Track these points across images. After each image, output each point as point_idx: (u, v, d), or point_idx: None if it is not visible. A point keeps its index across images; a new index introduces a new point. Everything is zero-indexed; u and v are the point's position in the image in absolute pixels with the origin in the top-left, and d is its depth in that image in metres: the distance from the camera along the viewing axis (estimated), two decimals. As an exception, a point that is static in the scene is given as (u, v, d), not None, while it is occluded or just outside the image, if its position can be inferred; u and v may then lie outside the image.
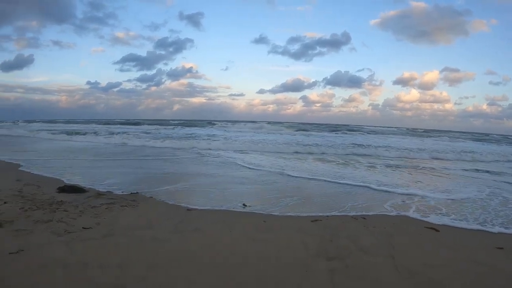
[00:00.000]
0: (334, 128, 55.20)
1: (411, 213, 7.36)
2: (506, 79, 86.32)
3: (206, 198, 8.24)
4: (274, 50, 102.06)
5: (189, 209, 7.28)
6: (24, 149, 17.73)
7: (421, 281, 4.14)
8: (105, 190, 8.71)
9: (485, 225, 6.62)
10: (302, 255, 4.70)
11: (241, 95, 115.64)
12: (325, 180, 11.33)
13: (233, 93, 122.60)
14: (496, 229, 6.42)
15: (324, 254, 4.77)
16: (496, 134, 63.42)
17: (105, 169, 12.40)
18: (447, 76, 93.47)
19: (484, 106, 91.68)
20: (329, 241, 5.29)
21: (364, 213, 7.19)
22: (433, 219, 7.10)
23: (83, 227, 5.89)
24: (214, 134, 33.05)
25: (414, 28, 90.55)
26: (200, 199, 8.31)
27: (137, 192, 8.62)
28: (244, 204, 7.58)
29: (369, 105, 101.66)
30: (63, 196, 7.74)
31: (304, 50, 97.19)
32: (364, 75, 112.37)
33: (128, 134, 29.87)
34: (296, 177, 11.76)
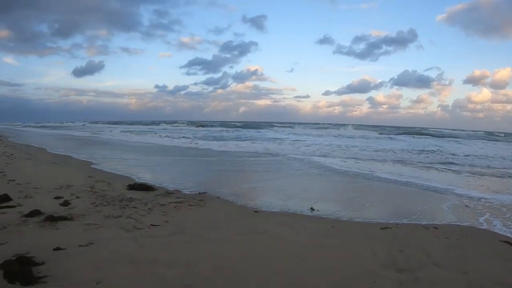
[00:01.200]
0: (414, 130, 51.10)
1: (487, 225, 6.49)
2: None
3: (274, 200, 7.94)
4: (339, 50, 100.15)
5: (256, 211, 6.87)
6: (96, 148, 18.39)
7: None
8: (173, 189, 8.50)
9: None
10: (371, 265, 4.25)
11: (306, 96, 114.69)
12: (402, 183, 10.33)
13: (298, 95, 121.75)
14: None
15: (394, 265, 4.27)
16: None
17: (174, 168, 12.47)
18: None
19: None
20: (398, 251, 4.77)
21: (436, 222, 6.50)
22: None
23: (151, 224, 5.61)
24: (279, 138, 32.08)
25: (483, 22, 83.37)
26: (268, 201, 7.87)
27: (204, 192, 8.32)
28: (312, 208, 7.13)
29: (438, 106, 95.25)
30: (132, 193, 7.58)
31: (370, 49, 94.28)
32: (432, 74, 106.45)
33: (195, 135, 30.19)
34: (374, 179, 10.73)
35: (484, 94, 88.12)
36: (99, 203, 6.56)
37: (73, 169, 10.57)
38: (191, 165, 13.63)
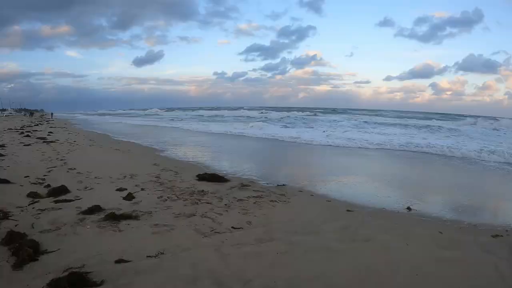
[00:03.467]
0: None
1: None
2: None
3: (364, 195, 6.69)
4: (400, 33, 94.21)
5: (349, 210, 5.60)
6: (160, 136, 17.72)
7: None
8: (248, 180, 7.33)
9: None
10: (499, 286, 3.39)
11: (367, 82, 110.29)
12: None
13: (359, 80, 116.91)
14: None
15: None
16: None
17: (244, 157, 11.21)
18: None
19: None
20: None
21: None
22: None
23: (232, 227, 4.49)
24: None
25: None
26: (357, 196, 6.60)
27: (284, 184, 7.09)
28: (408, 208, 5.97)
29: (505, 94, 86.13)
30: (203, 185, 6.51)
31: (433, 31, 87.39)
32: (500, 58, 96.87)
33: (264, 121, 28.50)
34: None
35: None
36: (167, 197, 5.49)
37: (137, 157, 9.73)
38: (263, 154, 12.56)
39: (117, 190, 5.72)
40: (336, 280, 3.21)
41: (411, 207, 5.99)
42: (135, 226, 4.18)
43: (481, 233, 4.99)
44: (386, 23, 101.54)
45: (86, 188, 5.84)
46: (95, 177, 6.62)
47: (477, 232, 5.03)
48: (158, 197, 5.49)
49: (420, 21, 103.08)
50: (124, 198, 5.25)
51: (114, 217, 4.28)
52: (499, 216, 5.99)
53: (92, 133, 18.55)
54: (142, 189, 5.87)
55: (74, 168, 7.39)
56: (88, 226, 4.04)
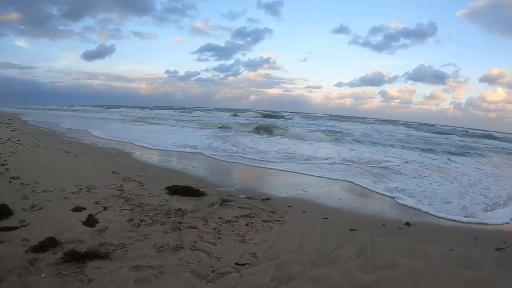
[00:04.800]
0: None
1: None
2: None
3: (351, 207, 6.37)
4: (355, 41, 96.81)
5: (352, 229, 5.04)
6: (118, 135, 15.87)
7: None
8: (226, 193, 6.44)
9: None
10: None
11: (318, 87, 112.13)
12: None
13: (310, 85, 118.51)
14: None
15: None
16: None
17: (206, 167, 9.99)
18: None
19: None
20: None
21: None
22: None
23: (236, 263, 3.55)
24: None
25: (505, 20, 79.72)
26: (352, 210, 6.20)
27: (269, 198, 6.33)
28: (407, 223, 5.74)
29: (450, 104, 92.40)
30: (177, 200, 5.54)
31: (387, 41, 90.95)
32: (449, 70, 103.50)
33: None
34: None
35: (498, 93, 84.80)
36: (140, 220, 4.37)
37: (92, 161, 8.17)
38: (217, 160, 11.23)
39: (74, 210, 4.44)
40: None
41: (409, 222, 5.77)
42: (109, 270, 3.02)
43: (484, 246, 4.95)
44: (342, 30, 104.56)
45: (33, 207, 4.48)
46: (44, 190, 5.20)
47: (481, 246, 4.97)
48: (128, 220, 4.33)
49: (375, 30, 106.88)
50: (85, 223, 4.01)
51: (77, 257, 3.09)
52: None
53: (38, 131, 16.19)
54: (105, 208, 4.63)
55: (18, 177, 5.82)
56: (43, 275, 2.80)
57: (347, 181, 8.52)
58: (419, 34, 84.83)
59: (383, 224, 5.52)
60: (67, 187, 5.30)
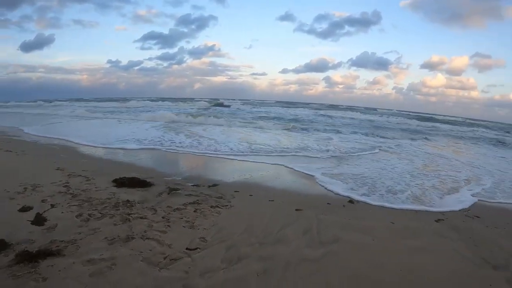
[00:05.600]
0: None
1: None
2: (540, 68, 77.64)
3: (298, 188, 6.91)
4: (300, 28, 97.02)
5: (298, 209, 5.45)
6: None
7: None
8: (173, 182, 6.63)
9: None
10: (470, 265, 3.95)
11: (263, 74, 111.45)
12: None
13: (256, 72, 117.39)
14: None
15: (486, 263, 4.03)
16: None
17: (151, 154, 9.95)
18: (477, 62, 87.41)
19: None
20: (474, 245, 4.53)
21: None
22: None
23: (187, 248, 3.81)
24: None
25: (447, 11, 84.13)
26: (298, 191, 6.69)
27: (216, 185, 6.59)
28: (351, 201, 6.26)
29: (393, 88, 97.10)
30: (125, 192, 5.64)
31: (332, 29, 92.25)
32: (391, 57, 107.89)
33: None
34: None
35: (438, 79, 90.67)
36: (89, 215, 4.48)
37: (35, 159, 7.91)
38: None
39: (21, 210, 4.44)
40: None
41: (353, 199, 6.25)
42: (62, 267, 3.18)
43: (425, 219, 5.50)
44: (287, 17, 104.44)
45: (-25, 210, 4.42)
46: (-14, 193, 5.10)
47: (422, 219, 5.50)
48: (76, 216, 4.42)
49: (320, 18, 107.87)
50: (33, 223, 4.06)
51: (30, 257, 3.20)
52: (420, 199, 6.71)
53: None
54: (53, 206, 4.68)
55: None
56: (-4, 278, 2.90)
57: (291, 167, 8.80)
58: (363, 22, 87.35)
59: (328, 203, 5.94)
60: (11, 187, 5.22)
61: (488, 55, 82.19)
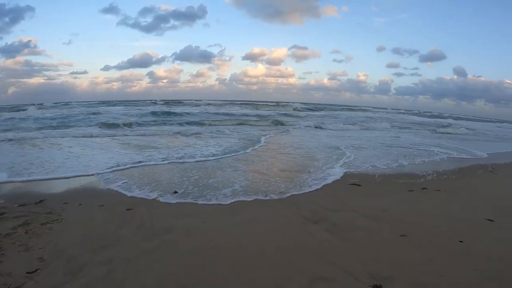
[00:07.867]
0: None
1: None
2: (348, 58, 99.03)
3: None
4: (124, 21, 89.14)
5: (128, 209, 6.12)
6: None
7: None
8: None
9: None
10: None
11: (84, 72, 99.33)
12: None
13: (75, 70, 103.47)
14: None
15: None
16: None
17: None
18: (295, 53, 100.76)
19: (325, 81, 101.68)
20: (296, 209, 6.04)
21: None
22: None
23: (27, 272, 4.03)
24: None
25: (269, 8, 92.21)
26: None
27: (42, 200, 6.56)
28: (175, 191, 7.19)
29: (216, 80, 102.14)
30: None
31: (157, 23, 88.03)
32: (214, 50, 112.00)
33: None
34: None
35: (259, 69, 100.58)
36: None
37: None
38: None
39: None
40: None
41: (177, 190, 7.08)
42: None
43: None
44: (111, 10, 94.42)
45: None
46: None
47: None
48: None
49: (145, 11, 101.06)
50: None
51: None
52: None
53: None
54: None
55: None
56: None
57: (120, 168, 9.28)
58: (189, 16, 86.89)
59: (141, 198, 6.77)
60: None
61: (305, 47, 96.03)
